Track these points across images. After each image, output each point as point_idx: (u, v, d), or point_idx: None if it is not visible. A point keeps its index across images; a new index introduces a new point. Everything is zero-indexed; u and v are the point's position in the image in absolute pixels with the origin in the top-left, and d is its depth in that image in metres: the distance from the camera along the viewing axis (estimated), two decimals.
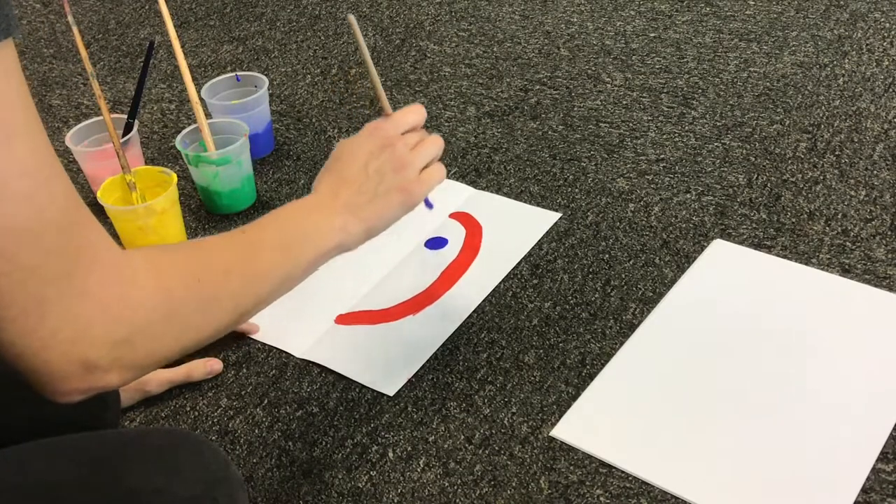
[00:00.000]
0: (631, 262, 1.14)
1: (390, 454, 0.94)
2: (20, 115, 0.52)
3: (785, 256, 1.12)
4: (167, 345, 0.61)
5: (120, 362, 0.57)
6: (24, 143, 0.52)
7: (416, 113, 0.85)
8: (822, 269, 1.10)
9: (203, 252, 0.68)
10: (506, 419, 0.96)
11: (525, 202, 1.25)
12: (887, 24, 1.56)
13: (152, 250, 0.64)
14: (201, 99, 1.32)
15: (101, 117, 1.28)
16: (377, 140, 0.82)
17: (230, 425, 0.99)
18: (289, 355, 1.07)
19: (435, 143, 0.85)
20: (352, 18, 0.84)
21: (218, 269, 0.66)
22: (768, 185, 1.24)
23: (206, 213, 1.30)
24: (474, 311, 1.09)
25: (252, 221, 0.75)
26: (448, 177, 1.31)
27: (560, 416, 0.96)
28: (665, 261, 1.13)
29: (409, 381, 1.02)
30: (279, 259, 0.72)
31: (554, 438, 0.94)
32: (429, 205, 0.89)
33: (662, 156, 1.31)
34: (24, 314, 0.52)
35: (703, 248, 1.14)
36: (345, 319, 1.10)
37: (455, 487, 0.90)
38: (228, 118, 1.32)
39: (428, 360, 1.04)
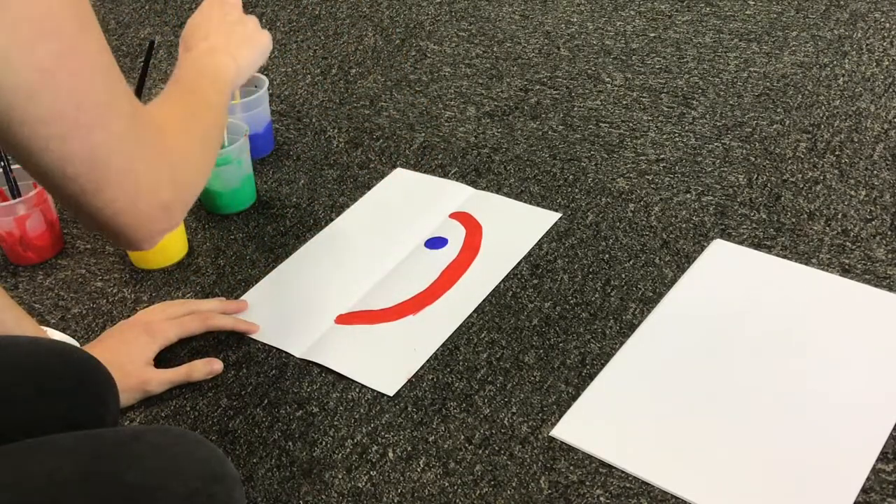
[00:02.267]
0: (631, 262, 1.14)
1: (390, 454, 0.94)
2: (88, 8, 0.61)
3: (785, 256, 1.12)
4: (199, 173, 0.75)
5: (181, 197, 0.71)
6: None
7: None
8: (822, 269, 1.10)
9: (176, 100, 0.81)
10: (506, 419, 0.96)
11: (525, 202, 1.25)
12: (887, 24, 1.55)
13: (154, 108, 0.76)
14: None
15: None
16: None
17: (230, 425, 0.99)
18: (289, 355, 1.07)
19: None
20: None
21: (195, 108, 0.80)
22: (768, 185, 1.24)
23: (206, 213, 1.30)
24: (474, 311, 1.09)
25: (173, 76, 0.87)
26: (448, 177, 1.32)
27: (560, 416, 0.96)
28: (665, 261, 1.13)
29: (409, 381, 1.02)
30: (216, 92, 0.88)
31: (554, 438, 0.94)
32: None
33: (662, 156, 1.31)
34: (117, 181, 0.63)
35: (703, 248, 1.14)
36: (345, 319, 1.10)
37: (455, 487, 0.90)
38: (228, 118, 1.31)
39: (428, 360, 1.04)
